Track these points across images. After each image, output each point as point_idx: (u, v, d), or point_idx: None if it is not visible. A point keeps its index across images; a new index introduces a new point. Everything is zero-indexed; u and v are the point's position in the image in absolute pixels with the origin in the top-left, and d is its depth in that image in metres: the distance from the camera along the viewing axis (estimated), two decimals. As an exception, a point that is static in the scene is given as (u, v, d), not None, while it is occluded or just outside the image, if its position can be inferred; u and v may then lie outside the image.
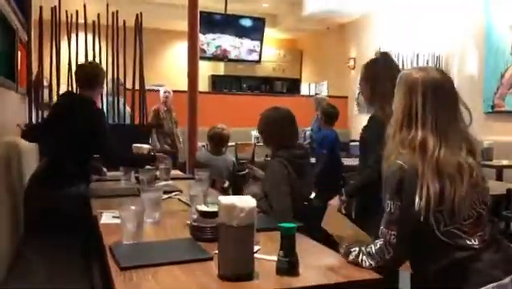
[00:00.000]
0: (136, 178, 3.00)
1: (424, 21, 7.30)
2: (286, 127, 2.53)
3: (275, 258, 1.40)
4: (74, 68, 4.73)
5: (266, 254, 1.54)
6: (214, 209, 1.73)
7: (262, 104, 6.86)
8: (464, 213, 1.42)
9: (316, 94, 10.27)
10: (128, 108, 5.42)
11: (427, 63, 6.97)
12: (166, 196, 2.52)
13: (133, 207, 1.67)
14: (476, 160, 1.49)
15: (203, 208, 1.76)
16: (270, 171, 2.46)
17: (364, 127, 2.42)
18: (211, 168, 3.26)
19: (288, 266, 1.37)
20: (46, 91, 4.81)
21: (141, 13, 4.91)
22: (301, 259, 1.41)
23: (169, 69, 10.50)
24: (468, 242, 1.42)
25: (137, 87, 5.04)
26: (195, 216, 1.95)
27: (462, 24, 6.61)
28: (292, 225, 1.40)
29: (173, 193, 2.65)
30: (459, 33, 6.67)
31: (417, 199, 1.40)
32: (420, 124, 1.47)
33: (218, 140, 3.89)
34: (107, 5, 4.78)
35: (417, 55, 7.04)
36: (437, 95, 1.48)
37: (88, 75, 3.07)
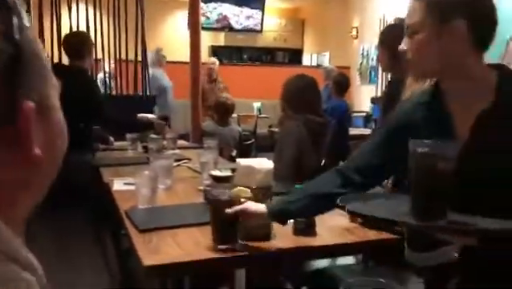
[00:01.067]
0: (144, 147, 3.00)
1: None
2: (309, 94, 2.54)
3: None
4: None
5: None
6: (227, 173, 1.74)
7: (263, 75, 6.90)
8: None
9: (318, 65, 10.22)
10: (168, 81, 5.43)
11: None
12: (175, 164, 2.53)
13: (147, 172, 1.68)
14: None
15: (216, 172, 1.77)
16: (284, 132, 2.50)
17: (386, 92, 2.39)
18: (218, 139, 3.27)
19: (305, 226, 1.39)
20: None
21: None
22: (317, 220, 1.43)
23: (170, 39, 10.39)
24: None
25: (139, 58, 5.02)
26: (207, 181, 1.97)
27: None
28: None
29: (182, 161, 2.66)
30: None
31: None
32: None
33: (224, 111, 3.89)
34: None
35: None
36: None
37: (75, 44, 3.05)
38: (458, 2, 1.10)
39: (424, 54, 1.15)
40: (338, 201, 1.08)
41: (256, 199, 1.32)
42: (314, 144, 2.48)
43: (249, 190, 1.31)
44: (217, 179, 1.75)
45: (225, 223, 1.28)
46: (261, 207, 1.28)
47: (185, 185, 2.11)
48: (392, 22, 2.31)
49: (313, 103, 2.54)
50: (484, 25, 1.11)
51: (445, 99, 1.19)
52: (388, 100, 2.27)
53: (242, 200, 1.29)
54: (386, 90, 2.38)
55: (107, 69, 5.21)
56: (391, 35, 2.31)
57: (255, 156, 3.14)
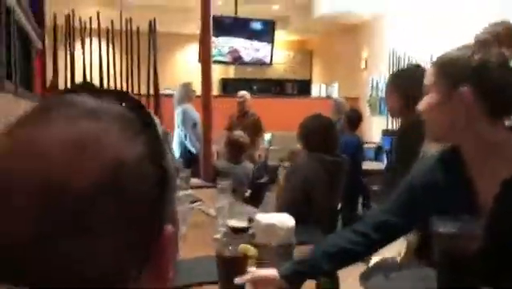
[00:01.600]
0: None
1: (440, 22, 7.20)
2: (325, 135, 2.53)
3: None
4: (88, 74, 4.80)
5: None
6: (244, 224, 1.68)
7: (272, 107, 6.90)
8: None
9: (328, 96, 10.22)
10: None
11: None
12: (189, 206, 2.48)
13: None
14: None
15: (234, 223, 1.71)
16: (295, 166, 2.52)
17: (400, 139, 2.30)
18: (231, 177, 3.22)
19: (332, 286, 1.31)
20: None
21: (154, 19, 4.89)
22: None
23: (180, 73, 10.49)
24: None
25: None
26: (222, 229, 1.91)
27: (481, 25, 6.50)
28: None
29: (196, 203, 2.61)
30: (475, 30, 6.57)
31: None
32: None
33: (237, 149, 3.85)
34: (121, 12, 4.76)
35: (431, 57, 6.94)
36: None
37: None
38: (466, 69, 1.11)
39: (434, 115, 1.17)
40: (359, 278, 1.03)
41: (269, 257, 1.26)
42: (329, 183, 2.42)
43: (254, 248, 1.26)
44: (234, 230, 1.69)
45: (230, 280, 1.21)
46: (271, 272, 1.20)
47: (201, 232, 2.05)
48: (408, 66, 2.27)
49: (329, 144, 2.51)
50: (493, 93, 1.10)
51: (466, 162, 1.15)
52: (403, 149, 2.18)
53: (250, 255, 1.22)
54: (399, 137, 2.30)
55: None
56: (407, 81, 2.23)
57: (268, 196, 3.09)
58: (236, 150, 3.87)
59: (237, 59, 9.19)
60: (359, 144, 4.65)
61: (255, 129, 6.01)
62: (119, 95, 0.44)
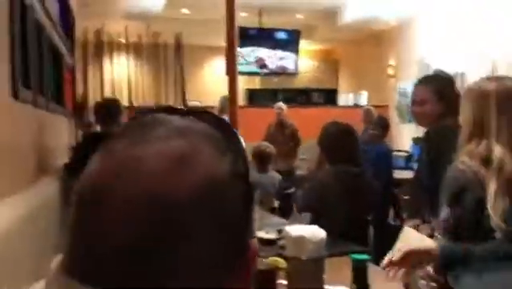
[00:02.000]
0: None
1: (469, 29, 7.05)
2: (343, 142, 2.46)
3: (346, 289, 1.32)
4: (117, 88, 4.89)
5: (332, 284, 1.45)
6: (273, 235, 1.67)
7: (299, 116, 6.86)
8: None
9: (355, 104, 10.12)
10: None
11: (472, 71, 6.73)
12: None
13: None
14: None
15: (263, 235, 1.70)
16: (309, 180, 2.50)
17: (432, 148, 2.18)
18: (257, 187, 3.23)
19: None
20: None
21: (181, 33, 4.95)
22: (374, 292, 1.32)
23: (207, 85, 10.58)
24: None
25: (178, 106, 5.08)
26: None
27: (509, 34, 6.34)
28: (365, 256, 1.31)
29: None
30: (509, 35, 6.40)
31: (492, 214, 1.31)
32: (494, 135, 1.38)
33: (262, 159, 3.87)
34: (148, 26, 4.84)
35: (462, 75, 6.80)
36: None
37: (105, 111, 3.11)
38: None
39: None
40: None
41: (299, 270, 1.24)
42: (346, 196, 2.36)
43: (284, 261, 1.25)
44: (263, 242, 1.68)
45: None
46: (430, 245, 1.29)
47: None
48: (438, 72, 2.22)
49: (348, 151, 2.45)
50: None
51: None
52: (438, 157, 2.09)
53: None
54: (437, 144, 2.20)
55: None
56: (447, 85, 2.12)
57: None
58: (261, 160, 3.89)
59: (263, 67, 9.21)
60: (389, 153, 4.55)
61: (294, 139, 6.10)
62: (203, 115, 0.47)
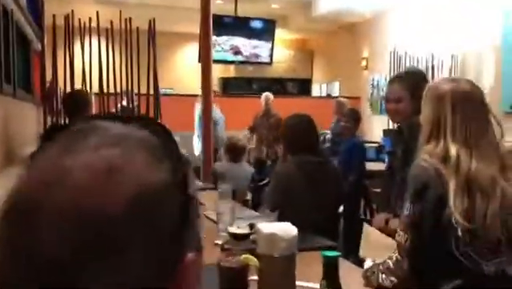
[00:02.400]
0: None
1: (439, 20, 7.17)
2: (303, 132, 2.53)
3: (316, 285, 1.33)
4: (88, 74, 4.78)
5: (303, 280, 1.46)
6: (245, 230, 1.67)
7: (274, 106, 6.85)
8: (493, 233, 1.37)
9: (328, 95, 10.19)
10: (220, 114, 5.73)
11: (442, 64, 6.86)
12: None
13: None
14: (509, 179, 1.43)
15: (234, 230, 1.70)
16: (273, 174, 2.52)
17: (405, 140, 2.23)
18: (230, 177, 3.26)
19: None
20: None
21: (154, 19, 4.86)
22: (345, 287, 1.34)
23: (180, 72, 10.46)
24: (485, 267, 1.37)
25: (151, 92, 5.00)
26: (224, 233, 1.89)
27: (479, 22, 6.49)
28: (335, 253, 1.32)
29: (196, 207, 2.58)
30: (476, 32, 6.55)
31: (453, 211, 1.36)
32: (449, 135, 1.43)
33: (235, 152, 3.90)
34: (120, 11, 4.73)
35: (432, 55, 6.92)
36: (468, 106, 1.45)
37: (73, 103, 3.06)
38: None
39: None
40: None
41: (271, 268, 1.24)
42: (311, 185, 2.40)
43: (255, 259, 1.26)
44: (235, 237, 1.67)
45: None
46: None
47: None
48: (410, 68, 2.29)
49: (309, 141, 2.51)
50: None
51: None
52: (409, 152, 2.12)
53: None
54: (409, 139, 2.23)
55: (124, 103, 5.18)
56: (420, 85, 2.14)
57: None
58: (235, 153, 3.94)
59: (238, 55, 9.15)
60: (361, 146, 4.59)
61: (278, 129, 6.22)
62: (145, 121, 0.46)
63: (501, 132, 1.50)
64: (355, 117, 4.53)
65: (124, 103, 5.10)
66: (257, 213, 2.44)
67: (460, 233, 1.36)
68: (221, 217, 2.01)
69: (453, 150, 1.40)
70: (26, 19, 3.12)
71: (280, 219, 2.23)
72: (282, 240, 1.24)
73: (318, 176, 2.43)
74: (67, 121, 3.12)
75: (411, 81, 2.21)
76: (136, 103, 5.11)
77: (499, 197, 1.37)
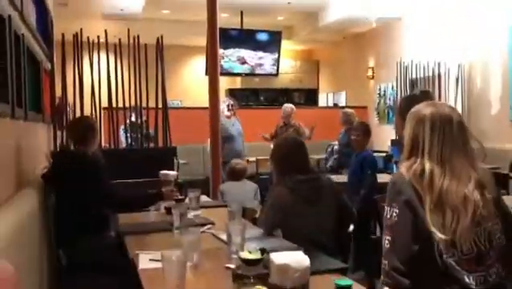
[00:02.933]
0: (166, 209, 2.93)
1: (446, 29, 7.16)
2: (290, 154, 2.57)
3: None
4: (97, 90, 4.82)
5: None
6: (257, 256, 1.66)
7: (280, 117, 6.85)
8: (464, 248, 1.45)
9: (335, 104, 10.17)
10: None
11: (449, 72, 6.84)
12: (200, 230, 2.47)
13: (174, 258, 1.60)
14: (486, 197, 1.51)
15: (246, 255, 1.69)
16: (269, 196, 2.53)
17: None
18: (235, 194, 3.37)
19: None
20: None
21: (162, 36, 4.89)
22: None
23: (186, 84, 10.52)
24: (466, 279, 1.43)
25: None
26: (234, 256, 1.88)
27: (485, 31, 6.47)
28: (348, 283, 1.32)
29: (206, 227, 2.58)
30: (483, 41, 6.53)
31: (430, 226, 1.45)
32: (426, 154, 1.55)
33: (235, 174, 4.16)
34: (128, 30, 4.77)
35: (439, 64, 6.91)
36: (445, 128, 1.57)
37: (79, 130, 3.03)
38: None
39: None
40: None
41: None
42: (306, 204, 2.41)
43: None
44: (247, 262, 1.67)
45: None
46: None
47: (212, 260, 2.02)
48: (414, 92, 2.39)
49: (297, 163, 2.55)
50: None
51: None
52: None
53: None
54: None
55: (133, 119, 5.21)
56: (406, 110, 2.30)
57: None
58: (235, 176, 4.18)
59: (246, 68, 9.16)
60: (372, 160, 4.43)
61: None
62: None
63: (483, 152, 1.65)
64: (365, 130, 4.45)
65: (133, 118, 5.13)
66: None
67: (440, 244, 1.44)
68: (232, 239, 2.00)
69: (428, 168, 1.52)
70: (36, 41, 3.16)
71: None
72: (295, 271, 1.24)
73: (311, 193, 2.44)
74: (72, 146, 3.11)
75: (402, 107, 2.40)
76: (144, 118, 5.13)
77: (471, 213, 1.45)
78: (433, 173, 1.50)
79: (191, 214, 2.81)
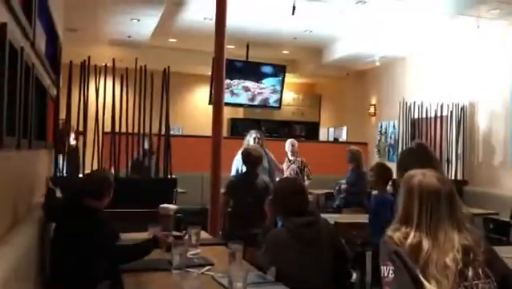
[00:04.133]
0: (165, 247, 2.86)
1: (449, 70, 7.23)
2: (289, 196, 2.59)
3: None
4: (101, 115, 4.81)
5: None
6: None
7: (281, 148, 6.83)
8: None
9: (335, 139, 10.17)
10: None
11: (451, 114, 6.86)
12: (198, 271, 2.41)
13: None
14: (474, 260, 1.60)
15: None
16: (265, 240, 2.53)
17: None
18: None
19: None
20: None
21: (169, 67, 4.92)
22: None
23: (187, 112, 10.58)
24: None
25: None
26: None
27: (487, 73, 6.52)
28: None
29: (205, 269, 2.50)
30: (484, 82, 6.58)
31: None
32: (415, 224, 1.66)
33: (251, 161, 4.32)
34: (136, 59, 4.80)
35: (441, 106, 6.93)
36: (433, 203, 1.67)
37: (95, 184, 2.81)
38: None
39: None
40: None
41: None
42: (303, 247, 2.41)
43: None
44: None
45: None
46: None
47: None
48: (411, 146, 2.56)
49: (296, 205, 2.56)
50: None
51: None
52: None
53: None
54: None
55: (146, 146, 5.20)
56: (404, 162, 2.54)
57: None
58: (250, 163, 4.38)
59: (250, 99, 9.16)
60: (390, 203, 4.09)
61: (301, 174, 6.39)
62: None
63: (471, 218, 1.91)
64: (378, 171, 4.22)
65: (146, 146, 5.15)
66: (265, 276, 2.36)
67: None
68: (233, 286, 1.94)
69: (415, 239, 1.62)
70: (44, 69, 3.15)
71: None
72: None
73: (308, 237, 2.44)
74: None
75: (400, 162, 2.73)
76: (147, 145, 5.14)
77: (451, 281, 1.55)
78: (420, 247, 1.60)
79: (190, 253, 2.75)
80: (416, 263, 1.57)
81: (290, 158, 6.48)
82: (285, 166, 6.43)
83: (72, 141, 5.45)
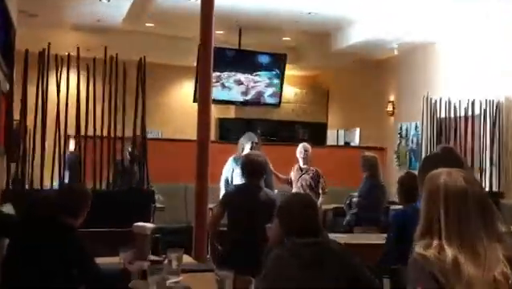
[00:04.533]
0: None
1: (481, 59, 7.23)
2: (296, 214, 2.63)
3: None
4: (63, 115, 4.80)
5: None
6: None
7: (279, 156, 6.79)
8: None
9: (346, 143, 10.17)
10: None
11: (484, 112, 6.88)
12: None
13: None
14: None
15: None
16: (267, 259, 2.57)
17: None
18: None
19: None
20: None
21: (145, 56, 4.93)
22: None
23: (171, 111, 10.57)
24: None
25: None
26: None
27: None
28: None
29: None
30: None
31: None
32: (444, 236, 1.64)
33: (252, 168, 4.19)
34: (106, 47, 4.80)
35: (473, 103, 6.94)
36: (460, 208, 1.66)
37: (73, 200, 2.97)
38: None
39: None
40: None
41: None
42: (306, 270, 2.45)
43: None
44: None
45: None
46: None
47: None
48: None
49: (304, 224, 2.61)
50: None
51: None
52: None
53: None
54: None
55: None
56: (427, 170, 2.58)
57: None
58: (250, 170, 4.22)
59: (241, 94, 9.15)
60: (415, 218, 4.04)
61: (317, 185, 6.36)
62: None
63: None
64: (401, 182, 4.22)
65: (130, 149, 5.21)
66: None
67: None
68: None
69: (450, 255, 1.60)
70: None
71: None
72: None
73: (313, 259, 2.49)
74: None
75: (423, 168, 2.72)
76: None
77: None
78: (458, 262, 1.59)
79: (170, 281, 2.75)
80: (459, 284, 1.57)
81: (302, 166, 6.40)
82: (293, 176, 6.38)
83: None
